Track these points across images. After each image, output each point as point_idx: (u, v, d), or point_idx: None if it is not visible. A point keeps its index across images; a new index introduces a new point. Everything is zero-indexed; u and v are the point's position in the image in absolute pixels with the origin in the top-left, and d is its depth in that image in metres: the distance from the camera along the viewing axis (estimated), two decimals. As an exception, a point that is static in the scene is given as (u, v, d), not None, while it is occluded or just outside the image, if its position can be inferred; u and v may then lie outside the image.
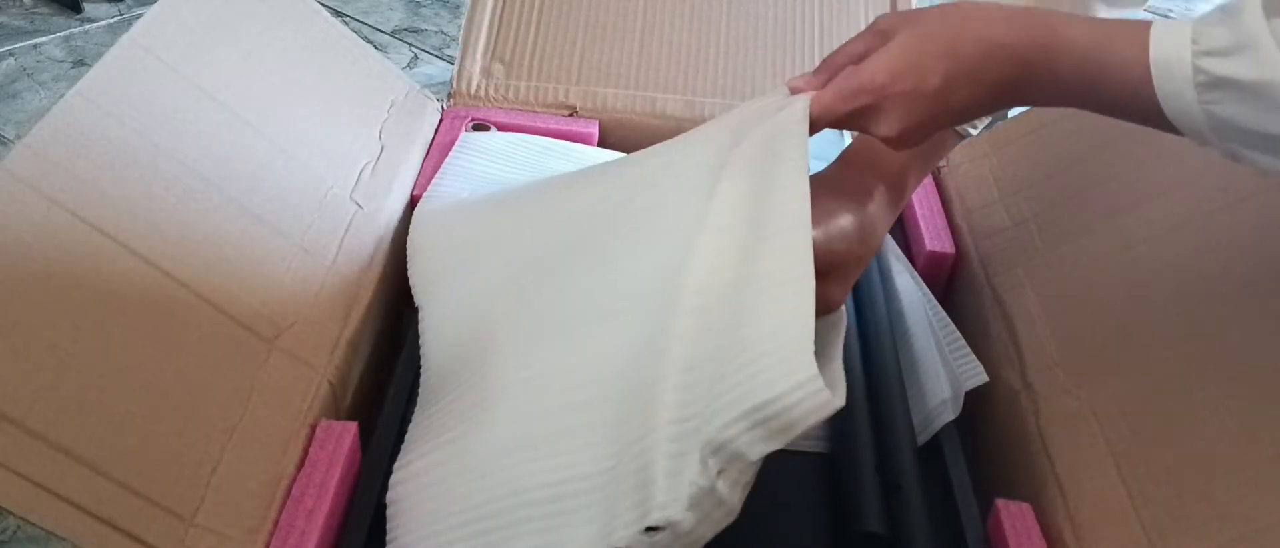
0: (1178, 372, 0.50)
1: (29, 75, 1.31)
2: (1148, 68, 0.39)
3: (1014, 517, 0.51)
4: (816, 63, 0.49)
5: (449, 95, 0.77)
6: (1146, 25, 0.40)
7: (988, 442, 0.60)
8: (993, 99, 0.44)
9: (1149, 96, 0.39)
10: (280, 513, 0.46)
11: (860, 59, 0.45)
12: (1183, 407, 0.49)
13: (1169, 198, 0.57)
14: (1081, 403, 0.53)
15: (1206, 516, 0.45)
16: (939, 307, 0.64)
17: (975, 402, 0.58)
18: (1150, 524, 0.47)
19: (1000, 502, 0.52)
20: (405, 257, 0.65)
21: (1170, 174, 0.58)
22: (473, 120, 0.74)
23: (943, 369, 0.58)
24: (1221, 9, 0.39)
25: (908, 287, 0.64)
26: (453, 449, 0.48)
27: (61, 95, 0.46)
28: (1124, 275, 0.57)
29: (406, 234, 0.66)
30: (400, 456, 0.50)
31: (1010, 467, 0.57)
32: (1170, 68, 0.39)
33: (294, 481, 0.47)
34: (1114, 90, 0.41)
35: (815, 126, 0.46)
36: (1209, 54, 0.38)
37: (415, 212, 0.65)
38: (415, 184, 0.68)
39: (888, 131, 0.45)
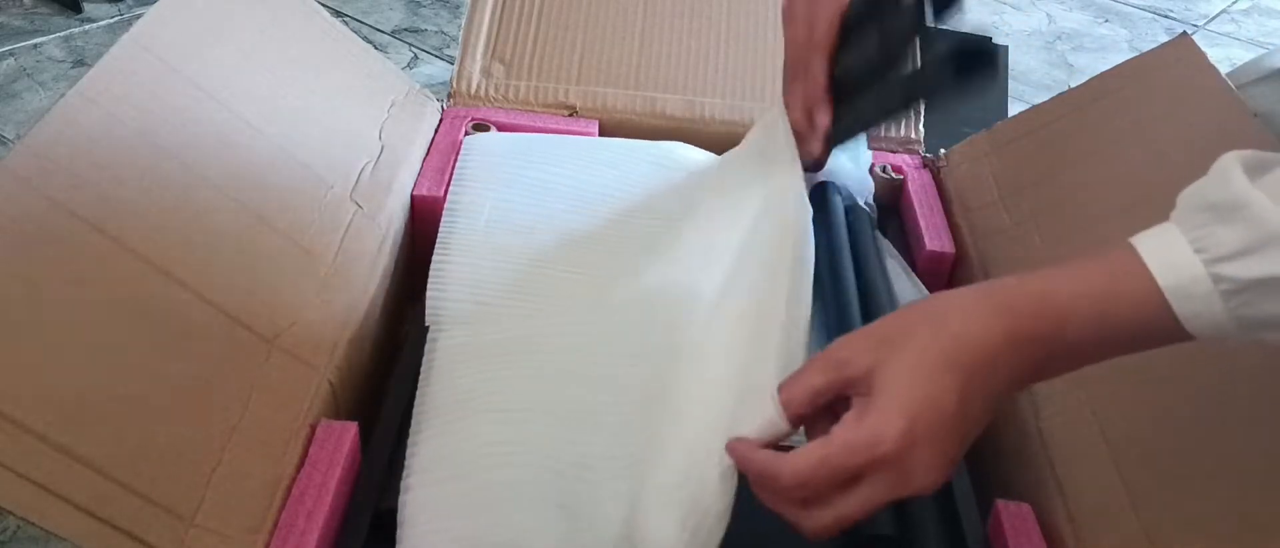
0: (1178, 371, 0.50)
1: (29, 75, 1.31)
2: (1160, 297, 0.36)
3: (1014, 517, 0.51)
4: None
5: (449, 95, 0.77)
6: (1134, 256, 0.37)
7: (988, 442, 0.60)
8: (1010, 393, 0.40)
9: (1167, 323, 0.37)
10: (280, 513, 0.46)
11: (826, 395, 0.40)
12: (1183, 407, 0.49)
13: (1169, 198, 0.57)
14: (1081, 403, 0.53)
15: (1206, 516, 0.45)
16: (939, 307, 0.64)
17: (975, 402, 0.58)
18: (1150, 524, 0.47)
19: (1000, 502, 0.51)
20: (405, 256, 0.65)
21: (1170, 174, 0.58)
22: (473, 120, 0.74)
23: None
24: (1211, 207, 0.36)
25: (906, 290, 0.64)
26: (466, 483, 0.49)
27: (61, 95, 0.46)
28: (1124, 275, 0.57)
29: (406, 234, 0.66)
30: (413, 472, 0.50)
31: (1010, 467, 0.57)
32: (1186, 289, 0.36)
33: (294, 481, 0.47)
34: (1131, 332, 0.38)
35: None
36: (1225, 260, 0.35)
37: (441, 230, 0.63)
38: (415, 184, 0.68)
39: (922, 480, 0.38)
